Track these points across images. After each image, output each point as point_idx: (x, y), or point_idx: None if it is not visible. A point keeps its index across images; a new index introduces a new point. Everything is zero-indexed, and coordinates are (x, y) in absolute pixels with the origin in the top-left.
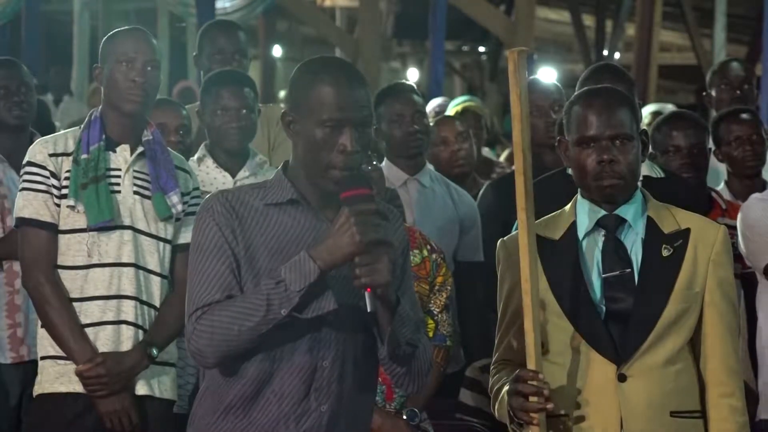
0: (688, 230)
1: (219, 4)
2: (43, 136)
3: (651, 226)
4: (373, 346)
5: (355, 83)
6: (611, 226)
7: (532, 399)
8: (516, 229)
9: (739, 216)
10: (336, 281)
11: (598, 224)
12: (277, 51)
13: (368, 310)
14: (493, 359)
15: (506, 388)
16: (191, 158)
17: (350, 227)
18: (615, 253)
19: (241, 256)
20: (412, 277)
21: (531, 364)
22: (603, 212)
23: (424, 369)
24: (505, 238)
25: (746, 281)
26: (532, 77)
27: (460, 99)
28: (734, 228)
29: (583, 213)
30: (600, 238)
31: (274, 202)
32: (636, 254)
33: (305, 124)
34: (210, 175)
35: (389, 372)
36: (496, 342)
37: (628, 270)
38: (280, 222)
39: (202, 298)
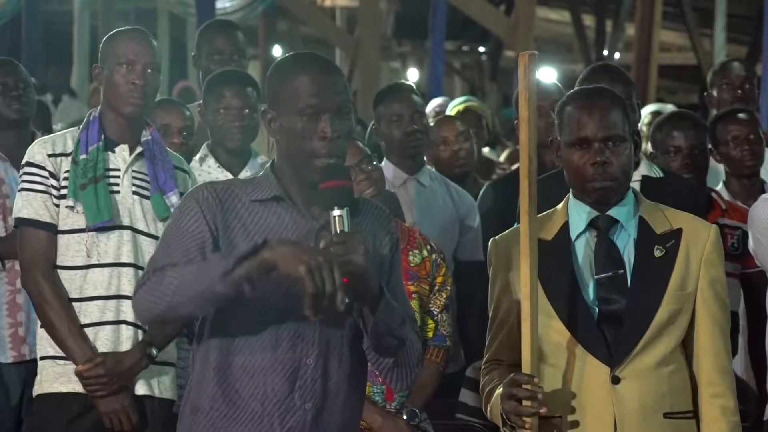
0: (680, 230)
1: (219, 4)
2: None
3: (643, 226)
4: (360, 343)
5: (329, 71)
6: (604, 227)
7: (525, 403)
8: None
9: (749, 217)
10: None
11: (591, 225)
12: (277, 51)
13: (345, 300)
14: (485, 359)
15: (499, 390)
16: (193, 158)
17: (302, 260)
18: (608, 254)
19: (219, 241)
20: (413, 277)
21: (526, 368)
22: (595, 213)
23: (411, 364)
24: (496, 237)
25: (746, 281)
26: None
27: (460, 99)
28: (734, 228)
29: (576, 214)
30: (592, 239)
31: (258, 198)
32: (628, 255)
33: (284, 116)
34: (212, 174)
35: (375, 365)
36: (487, 342)
37: (621, 271)
38: (264, 218)
39: (160, 260)
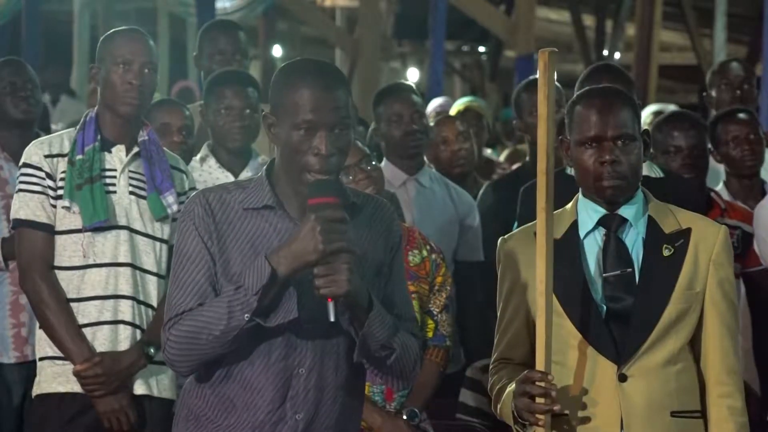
0: (689, 230)
1: (219, 4)
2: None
3: (652, 225)
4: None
5: (331, 85)
6: (613, 225)
7: (539, 400)
8: (516, 228)
9: (755, 217)
10: (311, 288)
11: (600, 224)
12: (277, 51)
13: (330, 319)
14: (492, 358)
15: (510, 388)
16: (194, 158)
17: (315, 235)
18: (616, 252)
19: (218, 260)
20: (413, 277)
21: (540, 365)
22: (604, 212)
23: (407, 369)
24: (506, 236)
25: (747, 280)
26: (532, 77)
27: (463, 99)
28: (733, 228)
29: (585, 212)
30: (601, 237)
31: (251, 206)
32: (637, 254)
33: (283, 126)
34: (212, 175)
35: (370, 371)
36: (495, 341)
37: (629, 270)
38: (256, 226)
39: (176, 307)
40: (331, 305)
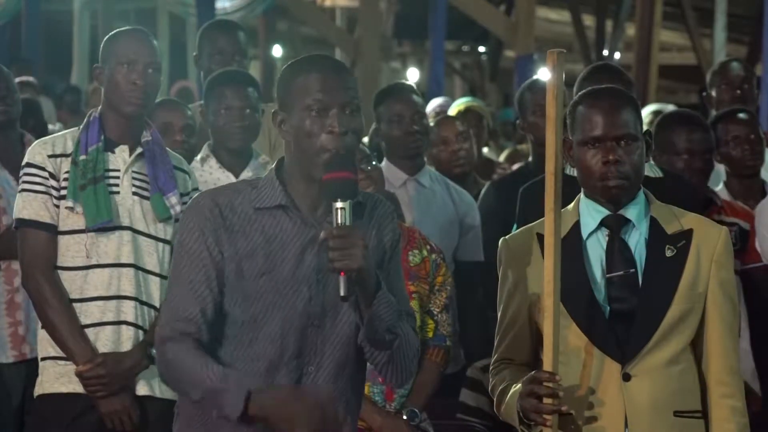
0: (690, 231)
1: (219, 4)
2: (34, 135)
3: (654, 226)
4: (359, 356)
5: (338, 69)
6: (615, 226)
7: (546, 400)
8: (515, 228)
9: (757, 214)
10: (323, 286)
11: (602, 224)
12: (277, 51)
13: (341, 294)
14: (493, 359)
15: (515, 388)
16: (195, 158)
17: (305, 421)
18: (619, 253)
19: (223, 262)
20: (413, 277)
21: (548, 366)
22: (607, 212)
23: (408, 359)
24: (507, 237)
25: (745, 278)
26: (533, 77)
27: (462, 99)
28: (731, 225)
29: (587, 213)
30: (604, 238)
31: (263, 206)
32: (640, 254)
33: (294, 116)
34: (213, 175)
35: (371, 359)
36: (496, 341)
37: (633, 270)
38: (268, 227)
39: (177, 311)
40: (343, 279)
